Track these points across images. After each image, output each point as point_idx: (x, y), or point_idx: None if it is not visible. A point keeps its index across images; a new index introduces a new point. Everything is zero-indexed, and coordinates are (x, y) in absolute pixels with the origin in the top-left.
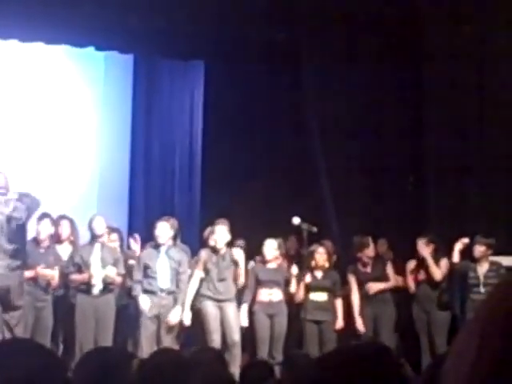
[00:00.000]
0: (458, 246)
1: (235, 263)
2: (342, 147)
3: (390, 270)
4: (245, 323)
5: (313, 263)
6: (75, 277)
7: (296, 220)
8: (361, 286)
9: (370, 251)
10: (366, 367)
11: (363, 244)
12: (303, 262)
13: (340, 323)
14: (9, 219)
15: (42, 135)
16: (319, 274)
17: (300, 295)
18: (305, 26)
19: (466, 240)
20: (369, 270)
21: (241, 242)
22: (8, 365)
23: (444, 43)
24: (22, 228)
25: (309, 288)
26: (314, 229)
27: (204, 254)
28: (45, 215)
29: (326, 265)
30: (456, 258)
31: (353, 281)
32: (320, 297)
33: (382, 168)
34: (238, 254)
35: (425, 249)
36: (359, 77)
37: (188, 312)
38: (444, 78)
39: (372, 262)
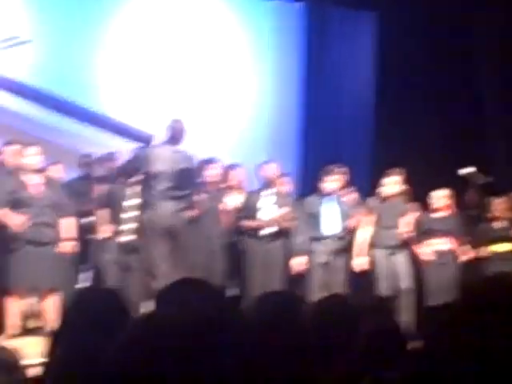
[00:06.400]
0: None
1: (404, 211)
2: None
3: None
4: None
5: (489, 215)
6: (247, 223)
7: (466, 170)
8: None
9: None
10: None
11: None
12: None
13: None
14: (178, 165)
15: (211, 84)
16: (499, 225)
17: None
18: None
19: None
20: None
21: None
22: (183, 302)
23: None
24: (190, 173)
25: (490, 240)
26: (484, 179)
27: (372, 201)
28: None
29: (506, 216)
30: None
31: None
32: (503, 247)
33: None
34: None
35: None
36: None
37: (365, 258)
38: None
39: None
